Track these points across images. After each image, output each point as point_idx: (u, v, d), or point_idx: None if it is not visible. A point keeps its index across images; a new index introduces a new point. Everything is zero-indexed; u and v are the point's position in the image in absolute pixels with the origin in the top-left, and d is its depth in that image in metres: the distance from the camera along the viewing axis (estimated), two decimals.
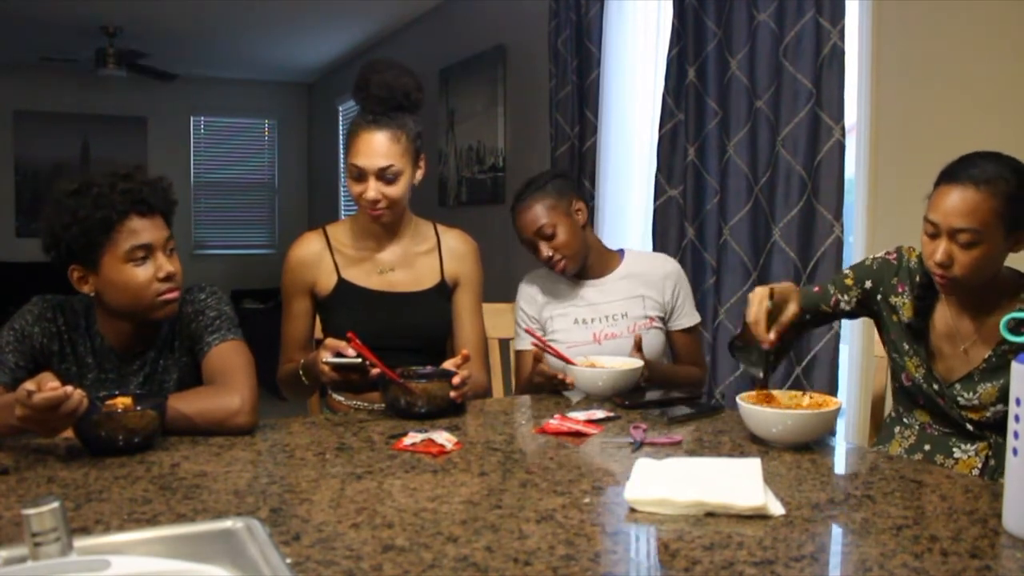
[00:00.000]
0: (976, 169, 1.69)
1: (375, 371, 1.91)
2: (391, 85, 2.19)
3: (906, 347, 1.93)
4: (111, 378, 1.89)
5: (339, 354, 1.92)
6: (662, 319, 2.49)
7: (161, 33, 7.03)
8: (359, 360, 1.90)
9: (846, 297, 2.01)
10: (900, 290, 1.95)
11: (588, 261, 2.50)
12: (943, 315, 1.88)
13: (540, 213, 2.41)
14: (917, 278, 1.92)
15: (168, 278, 1.82)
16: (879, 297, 1.98)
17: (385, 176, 2.16)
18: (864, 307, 2.02)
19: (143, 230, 1.80)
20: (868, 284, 1.99)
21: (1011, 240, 1.71)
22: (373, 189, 2.16)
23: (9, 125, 8.29)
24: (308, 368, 2.03)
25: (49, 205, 1.81)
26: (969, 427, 1.85)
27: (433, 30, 6.33)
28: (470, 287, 2.36)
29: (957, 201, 1.68)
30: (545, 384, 2.24)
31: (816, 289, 2.06)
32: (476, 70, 5.53)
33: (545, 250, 2.42)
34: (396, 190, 2.18)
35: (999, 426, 1.82)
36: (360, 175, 2.17)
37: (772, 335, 1.81)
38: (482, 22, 5.51)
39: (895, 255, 1.98)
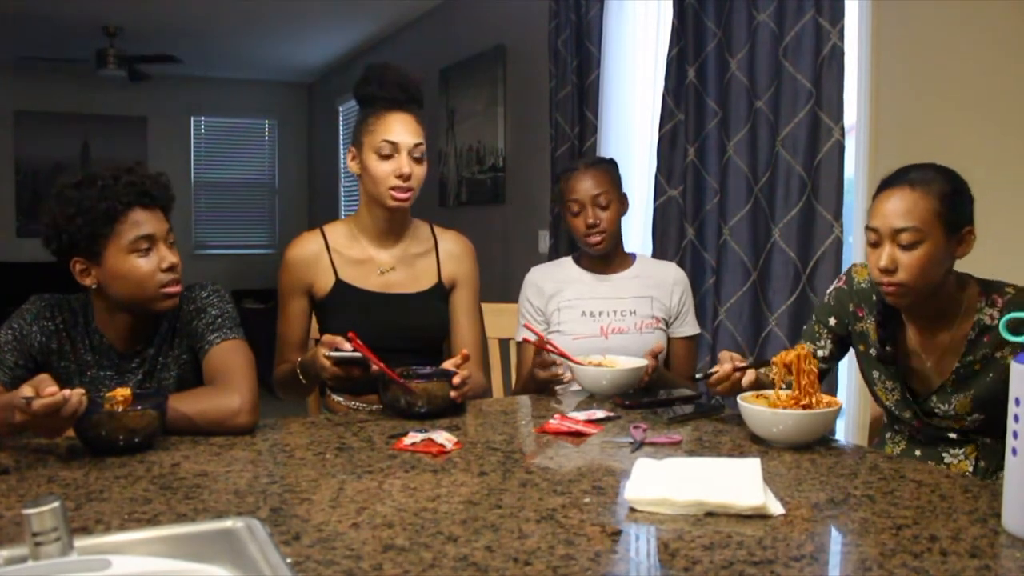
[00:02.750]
0: (911, 174, 1.73)
1: (375, 368, 1.91)
2: (407, 76, 2.27)
3: (876, 375, 1.94)
4: (110, 375, 1.90)
5: (337, 349, 1.93)
6: (666, 322, 2.52)
7: (161, 33, 7.04)
8: (359, 354, 1.89)
9: (820, 343, 2.03)
10: (860, 315, 1.95)
11: (611, 254, 2.56)
12: (907, 336, 1.89)
13: (604, 181, 2.50)
14: (873, 298, 1.92)
15: (171, 268, 1.84)
16: (849, 330, 1.99)
17: (414, 154, 2.20)
18: (841, 343, 2.03)
19: (146, 221, 1.82)
20: (832, 321, 2.01)
21: (952, 243, 1.73)
22: (407, 164, 2.19)
23: (10, 125, 8.29)
24: (306, 366, 2.03)
25: (51, 198, 1.82)
26: (952, 436, 1.87)
27: (433, 30, 6.34)
28: (467, 287, 2.36)
29: (895, 203, 1.71)
30: (545, 379, 2.24)
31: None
32: (476, 70, 5.53)
33: (592, 216, 2.46)
34: (422, 172, 2.23)
35: (982, 431, 1.83)
36: (393, 151, 2.19)
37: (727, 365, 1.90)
38: (482, 22, 5.51)
39: (845, 279, 2.00)
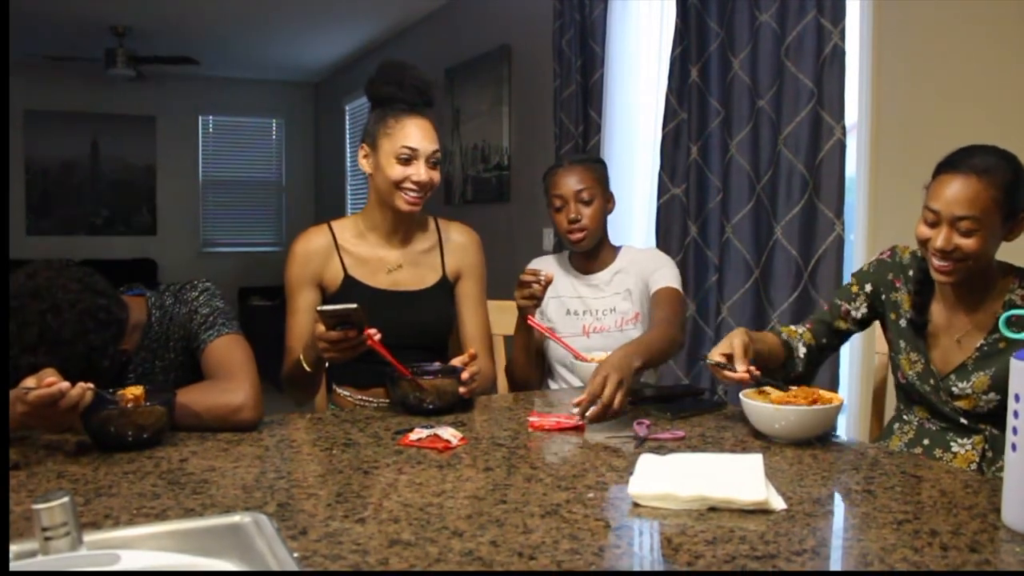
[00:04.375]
0: (976, 159, 1.74)
1: (372, 331, 1.88)
2: (425, 80, 2.27)
3: (903, 344, 1.97)
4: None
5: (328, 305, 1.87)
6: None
7: (170, 33, 7.07)
8: (354, 306, 1.84)
9: (855, 304, 2.05)
10: (897, 285, 1.99)
11: (594, 253, 2.56)
12: (939, 308, 1.92)
13: (588, 177, 2.49)
14: (911, 273, 1.97)
15: None
16: (883, 297, 2.02)
17: (431, 160, 2.22)
18: (872, 311, 2.06)
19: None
20: (869, 287, 2.04)
21: (1006, 228, 1.77)
22: (425, 171, 2.20)
23: (20, 124, 8.33)
24: (307, 350, 2.02)
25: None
26: (963, 421, 1.88)
27: (439, 30, 6.35)
28: (473, 277, 2.38)
29: (959, 190, 1.72)
30: (523, 297, 2.28)
31: (825, 307, 2.12)
32: (481, 70, 5.54)
33: (574, 211, 2.47)
34: (437, 177, 2.25)
35: (992, 416, 1.85)
36: (411, 157, 2.19)
37: (742, 368, 1.83)
38: (487, 22, 5.52)
39: (889, 253, 2.03)
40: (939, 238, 1.75)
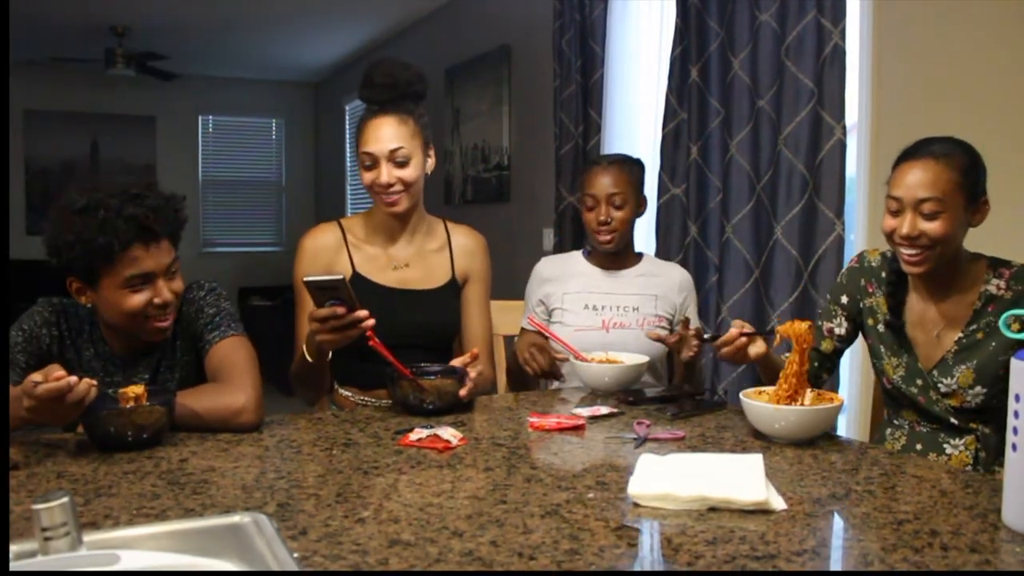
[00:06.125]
0: (934, 147, 1.79)
1: (363, 313, 1.84)
2: (393, 74, 2.24)
3: (883, 350, 1.98)
4: (117, 381, 1.89)
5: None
6: (669, 322, 2.55)
7: (170, 33, 7.07)
8: (340, 276, 1.82)
9: (837, 321, 2.07)
10: (870, 290, 2.01)
11: (618, 252, 2.59)
12: (913, 306, 1.94)
13: (622, 180, 2.52)
14: (883, 275, 1.98)
15: (164, 306, 1.81)
16: (860, 305, 2.03)
17: (396, 159, 2.18)
18: (852, 323, 2.07)
19: (144, 258, 1.76)
20: (845, 299, 2.05)
21: (969, 212, 1.80)
22: (386, 173, 2.18)
23: (19, 124, 8.32)
24: (309, 337, 1.98)
25: (55, 216, 1.77)
26: (953, 420, 1.88)
27: (439, 30, 6.35)
28: (479, 281, 2.38)
29: (919, 174, 1.77)
30: (537, 363, 2.29)
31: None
32: (481, 70, 5.54)
33: (604, 213, 2.50)
34: (409, 173, 2.20)
35: (982, 413, 1.86)
36: (372, 162, 2.19)
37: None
38: (487, 22, 5.52)
39: (857, 260, 2.06)
40: (904, 224, 1.78)
